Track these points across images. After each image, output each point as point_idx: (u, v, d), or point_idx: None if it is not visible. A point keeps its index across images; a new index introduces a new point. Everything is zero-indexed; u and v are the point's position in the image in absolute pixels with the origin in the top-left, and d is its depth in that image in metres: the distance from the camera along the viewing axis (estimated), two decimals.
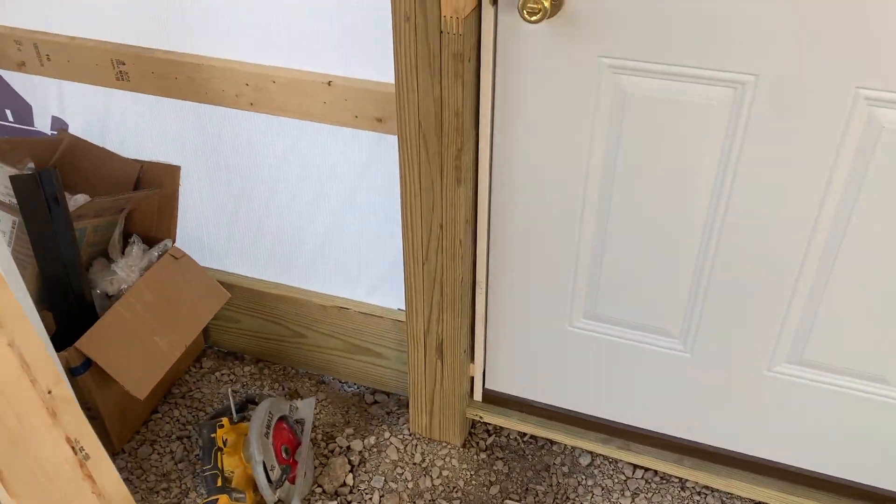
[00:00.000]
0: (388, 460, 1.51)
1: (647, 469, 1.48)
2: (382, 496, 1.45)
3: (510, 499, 1.45)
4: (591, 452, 1.51)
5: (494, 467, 1.50)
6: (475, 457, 1.52)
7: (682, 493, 1.44)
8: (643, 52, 1.05)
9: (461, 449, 1.53)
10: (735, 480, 1.38)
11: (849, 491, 1.32)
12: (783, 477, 1.37)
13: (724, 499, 1.42)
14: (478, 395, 1.53)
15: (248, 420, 1.43)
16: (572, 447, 1.52)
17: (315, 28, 1.25)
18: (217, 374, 1.69)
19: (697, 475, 1.40)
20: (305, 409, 1.51)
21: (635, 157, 1.14)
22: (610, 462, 1.50)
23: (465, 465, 1.50)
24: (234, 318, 1.70)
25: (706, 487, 1.44)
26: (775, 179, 1.08)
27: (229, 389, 1.42)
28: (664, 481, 1.46)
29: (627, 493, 1.44)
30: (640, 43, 1.04)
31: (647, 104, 1.09)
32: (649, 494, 1.44)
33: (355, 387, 1.67)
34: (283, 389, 1.66)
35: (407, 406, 1.62)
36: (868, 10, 0.92)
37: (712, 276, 1.20)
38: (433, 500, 1.45)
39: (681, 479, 1.46)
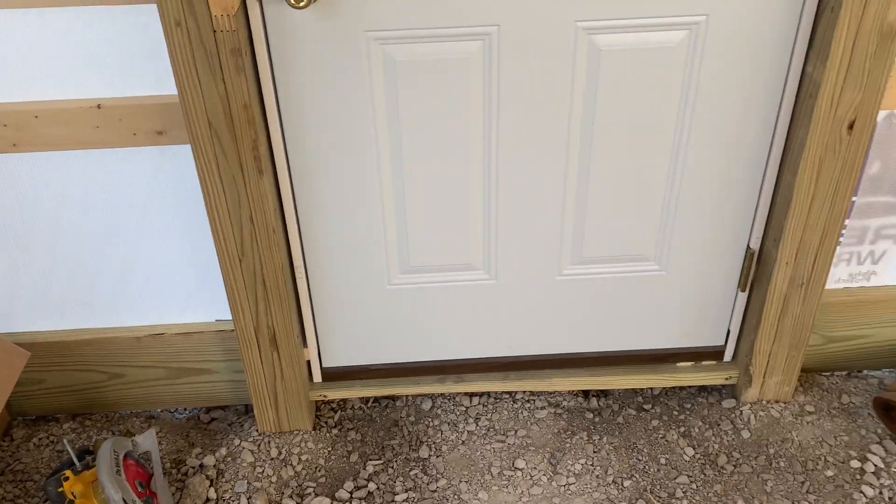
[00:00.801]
0: (245, 464, 1.52)
1: (481, 394, 1.65)
2: (250, 497, 1.46)
3: (370, 460, 1.55)
4: (430, 396, 1.65)
5: (349, 437, 1.58)
6: (328, 434, 1.59)
7: (515, 405, 1.63)
8: (404, 21, 1.19)
9: (313, 432, 1.59)
10: (556, 379, 1.59)
11: (640, 359, 1.61)
12: (589, 363, 1.61)
13: (549, 398, 1.64)
14: (317, 377, 1.60)
15: (92, 467, 1.37)
16: (413, 396, 1.65)
17: (73, 52, 1.23)
18: (34, 440, 1.57)
19: (524, 384, 1.60)
20: (147, 440, 1.47)
21: (415, 117, 1.28)
22: (448, 398, 1.65)
23: (321, 445, 1.57)
24: (36, 378, 1.58)
25: (533, 393, 1.65)
26: (532, 113, 1.28)
27: (65, 439, 1.35)
28: (498, 400, 1.64)
29: (470, 420, 1.60)
30: (400, 12, 1.18)
31: (416, 67, 1.23)
32: (488, 415, 1.61)
33: (188, 412, 1.65)
34: (114, 436, 1.59)
35: (247, 413, 1.64)
36: None
37: (499, 208, 1.39)
38: (300, 485, 1.49)
39: (510, 392, 1.65)
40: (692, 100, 1.28)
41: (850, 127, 1.24)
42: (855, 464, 1.48)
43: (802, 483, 1.46)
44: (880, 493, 1.43)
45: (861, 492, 1.44)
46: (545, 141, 1.31)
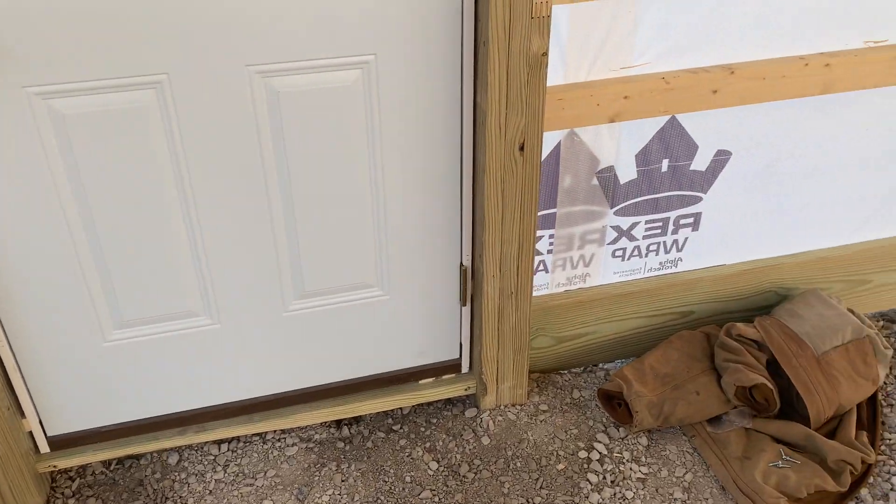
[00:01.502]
0: None
1: (230, 440, 1.63)
2: None
3: None
4: (175, 449, 1.61)
5: None
6: None
7: (265, 446, 1.62)
8: (63, 75, 1.16)
9: None
10: (301, 413, 1.61)
11: (384, 382, 1.65)
12: (334, 393, 1.63)
13: (301, 433, 1.65)
14: (44, 447, 1.51)
15: None
16: (159, 452, 1.60)
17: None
18: None
19: (269, 424, 1.60)
20: None
21: (99, 169, 1.25)
22: (196, 449, 1.61)
23: None
24: None
25: (283, 431, 1.65)
26: (223, 158, 1.29)
27: None
28: (248, 443, 1.63)
29: (219, 469, 1.58)
30: (58, 66, 1.15)
31: (89, 120, 1.21)
32: (238, 460, 1.59)
33: None
34: None
35: None
36: None
37: (208, 254, 1.38)
38: None
39: (260, 434, 1.64)
40: (378, 133, 1.34)
41: (522, 148, 1.35)
42: (582, 454, 1.61)
43: (537, 480, 1.56)
44: (604, 478, 1.56)
45: (587, 480, 1.56)
46: (242, 184, 1.33)
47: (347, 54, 1.24)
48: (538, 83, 1.28)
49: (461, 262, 1.54)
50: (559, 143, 1.52)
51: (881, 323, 1.94)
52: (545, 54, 1.24)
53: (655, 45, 1.45)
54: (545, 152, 1.52)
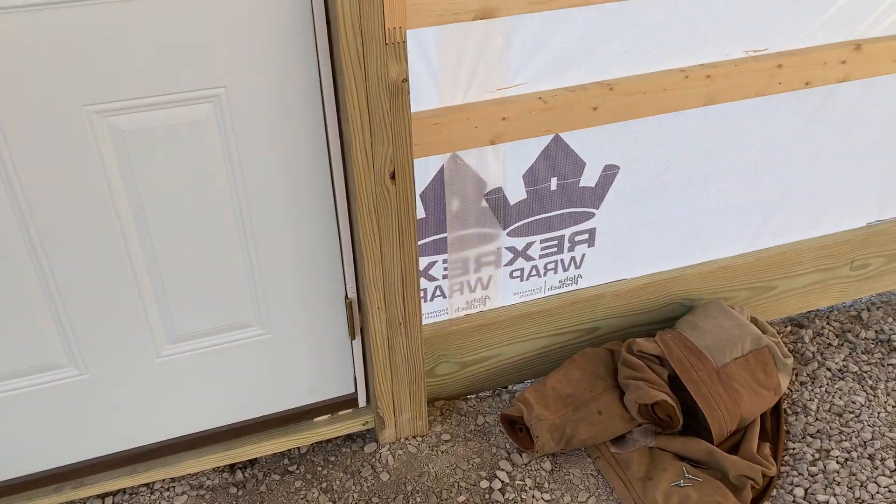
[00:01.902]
0: None
1: (112, 493, 1.54)
2: None
3: None
4: None
5: None
6: None
7: (153, 496, 1.55)
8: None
9: None
10: (189, 461, 1.53)
11: (276, 422, 1.59)
12: (224, 437, 1.56)
13: (191, 480, 1.58)
14: None
15: None
16: None
17: None
18: None
19: (154, 474, 1.52)
20: None
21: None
22: None
23: None
24: None
25: (173, 479, 1.57)
26: (68, 202, 1.22)
27: None
28: (134, 494, 1.55)
29: None
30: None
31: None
32: None
33: None
34: None
35: None
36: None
37: (65, 303, 1.30)
38: None
39: (146, 484, 1.56)
40: (239, 168, 1.28)
41: (393, 177, 1.30)
42: (484, 483, 1.56)
43: None
44: None
45: None
46: (93, 226, 1.25)
47: (195, 88, 1.18)
48: (402, 110, 1.23)
49: (346, 295, 1.48)
50: (442, 168, 1.48)
51: (789, 328, 1.94)
52: (405, 80, 1.20)
53: (531, 64, 1.42)
54: (429, 176, 1.48)
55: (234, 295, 1.40)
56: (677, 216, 1.73)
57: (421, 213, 1.51)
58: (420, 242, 1.54)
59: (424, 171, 1.46)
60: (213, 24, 1.14)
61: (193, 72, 1.17)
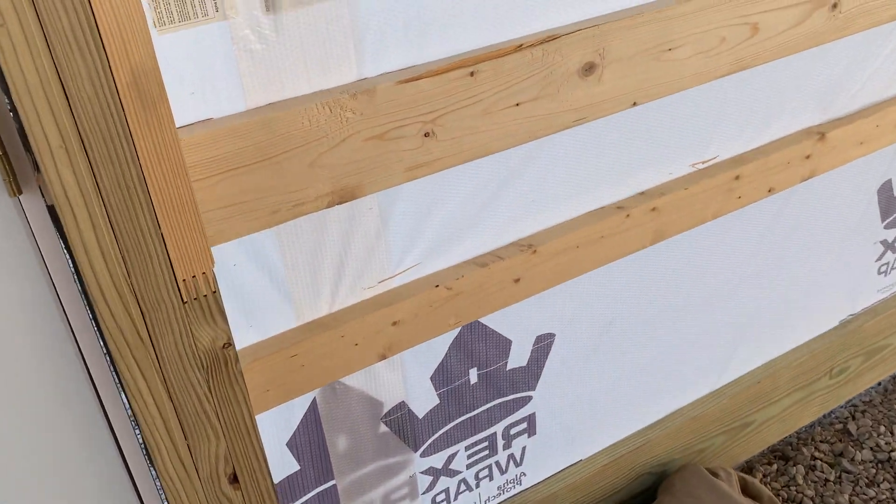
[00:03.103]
0: None
1: None
2: None
3: None
4: None
5: None
6: None
7: None
8: None
9: None
10: None
11: None
12: None
13: None
14: None
15: None
16: None
17: None
18: None
19: None
20: None
21: None
22: None
23: None
24: None
25: None
26: None
27: None
28: None
29: None
30: None
31: None
32: None
33: None
34: None
35: None
36: None
37: None
38: None
39: None
40: None
41: (234, 479, 0.83)
42: None
43: None
44: None
45: None
46: None
47: None
48: (231, 384, 0.78)
49: None
50: (314, 402, 1.03)
51: (775, 467, 1.58)
52: (228, 345, 0.75)
53: (421, 238, 1.00)
54: (296, 420, 1.01)
55: None
56: (629, 372, 1.34)
57: (293, 465, 1.06)
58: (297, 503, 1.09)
59: (288, 415, 1.01)
60: None
61: None
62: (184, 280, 0.67)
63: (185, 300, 0.68)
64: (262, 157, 0.80)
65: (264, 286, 0.91)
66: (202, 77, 0.76)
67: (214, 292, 0.69)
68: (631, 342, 1.30)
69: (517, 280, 1.05)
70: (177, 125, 0.77)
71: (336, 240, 0.93)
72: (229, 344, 0.72)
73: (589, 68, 0.96)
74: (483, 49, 0.90)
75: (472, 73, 0.88)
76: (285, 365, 0.92)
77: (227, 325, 0.71)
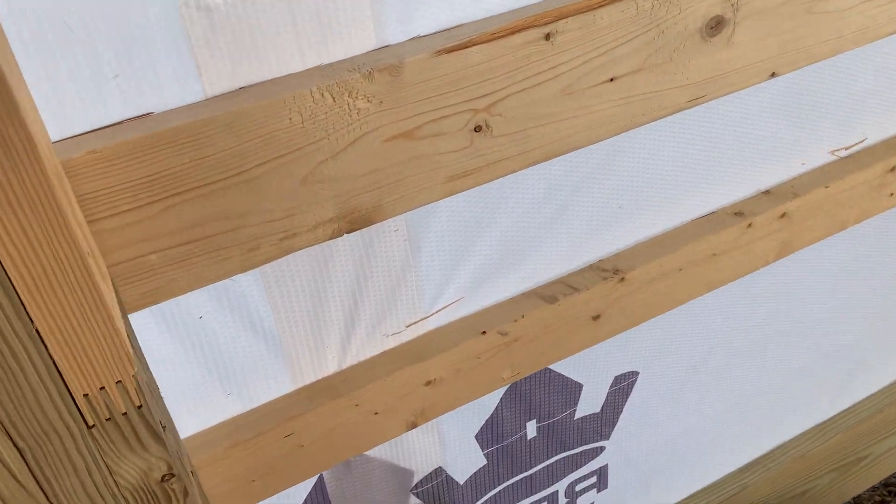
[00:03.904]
0: None
1: None
2: None
3: None
4: None
5: None
6: None
7: None
8: None
9: None
10: None
11: None
12: None
13: None
14: None
15: None
16: None
17: None
18: None
19: None
20: None
21: None
22: None
23: None
24: None
25: None
26: None
27: None
28: None
29: None
30: None
31: None
32: None
33: None
34: None
35: None
36: None
37: None
38: None
39: None
40: None
41: None
42: None
43: None
44: None
45: None
46: None
47: None
48: None
49: None
50: (320, 480, 0.78)
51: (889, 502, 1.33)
52: (171, 476, 0.50)
53: (461, 267, 0.73)
54: (297, 500, 0.78)
55: None
56: (725, 407, 1.07)
57: None
58: None
59: (285, 499, 0.77)
60: None
61: None
62: (86, 395, 0.42)
63: (90, 424, 0.43)
64: (228, 173, 0.53)
65: (246, 339, 0.65)
66: (130, 51, 0.49)
67: (140, 406, 0.44)
68: (729, 374, 1.02)
69: (597, 317, 0.78)
70: (98, 125, 0.51)
71: (347, 274, 0.66)
72: (172, 475, 0.47)
73: (716, 25, 0.66)
74: None
75: (547, 36, 0.59)
76: (278, 447, 0.67)
77: (165, 448, 0.45)
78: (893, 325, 1.16)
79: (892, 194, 0.90)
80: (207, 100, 0.52)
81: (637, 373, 0.92)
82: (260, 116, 0.51)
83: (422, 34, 0.58)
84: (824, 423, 1.19)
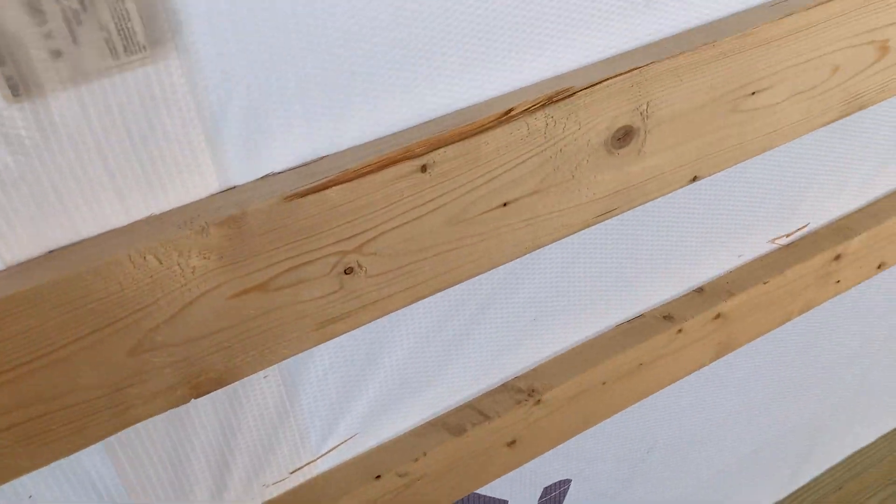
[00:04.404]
0: None
1: None
2: None
3: None
4: None
5: None
6: None
7: None
8: None
9: None
10: None
11: None
12: None
13: None
14: None
15: None
16: None
17: None
18: None
19: None
20: None
21: None
22: None
23: None
24: None
25: None
26: None
27: None
28: None
29: None
30: None
31: None
32: None
33: None
34: None
35: None
36: None
37: None
38: None
39: None
40: None
41: None
42: None
43: None
44: None
45: None
46: None
47: None
48: None
49: None
50: None
51: None
52: None
53: (353, 401, 0.66)
54: None
55: None
56: (673, 498, 1.01)
57: None
58: None
59: None
60: None
61: None
62: None
63: None
64: (37, 353, 0.45)
65: None
66: None
67: None
68: (675, 468, 0.96)
69: (512, 443, 0.70)
70: None
71: (210, 430, 0.58)
72: None
73: (624, 136, 0.59)
74: (445, 118, 0.54)
75: (423, 168, 0.52)
76: None
77: None
78: (866, 392, 1.10)
79: (838, 282, 0.84)
80: (9, 268, 0.45)
81: (569, 480, 0.85)
82: (69, 288, 0.44)
83: (276, 171, 0.50)
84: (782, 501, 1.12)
